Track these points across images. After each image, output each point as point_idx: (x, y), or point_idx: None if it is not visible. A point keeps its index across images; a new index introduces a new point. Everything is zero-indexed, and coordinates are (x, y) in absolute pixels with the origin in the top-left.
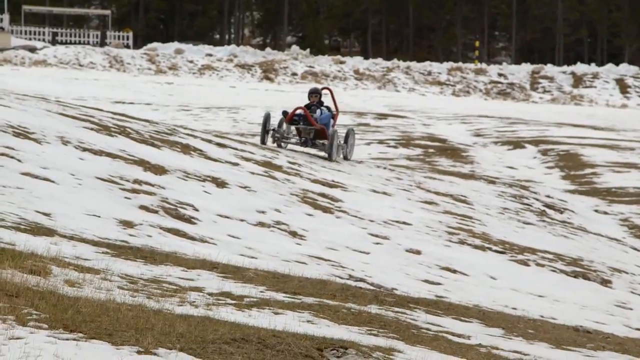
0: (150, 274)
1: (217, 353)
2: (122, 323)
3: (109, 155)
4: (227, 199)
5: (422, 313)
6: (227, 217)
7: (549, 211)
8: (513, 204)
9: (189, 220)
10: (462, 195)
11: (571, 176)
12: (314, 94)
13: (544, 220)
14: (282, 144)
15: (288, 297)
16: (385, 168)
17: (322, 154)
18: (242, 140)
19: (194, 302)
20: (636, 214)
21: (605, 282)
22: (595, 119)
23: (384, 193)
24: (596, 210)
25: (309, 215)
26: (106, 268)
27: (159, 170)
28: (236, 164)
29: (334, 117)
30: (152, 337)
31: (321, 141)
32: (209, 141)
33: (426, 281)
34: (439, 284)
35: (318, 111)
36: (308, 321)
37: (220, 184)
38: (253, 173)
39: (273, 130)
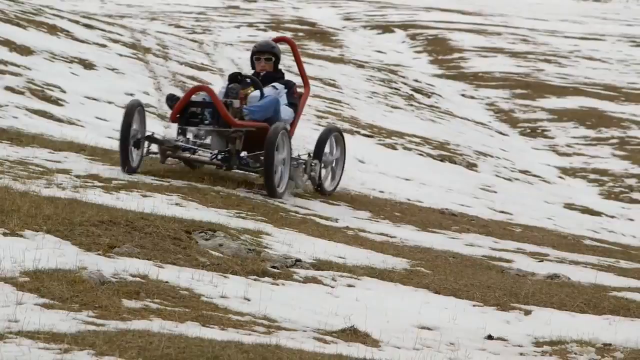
0: (16, 156)
1: (84, 235)
2: None
3: None
4: (95, 81)
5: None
6: (95, 100)
7: (417, 95)
8: (382, 88)
9: (56, 102)
10: (331, 79)
11: (439, 60)
12: (263, 54)
13: (412, 105)
14: (177, 160)
15: (156, 180)
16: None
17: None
18: (110, 22)
19: (61, 184)
20: (502, 98)
21: (470, 166)
22: (463, 3)
23: None
24: (463, 95)
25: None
26: None
27: (25, 51)
28: (104, 46)
29: (294, 102)
30: (19, 219)
31: (259, 154)
32: (76, 22)
33: None
34: None
35: (255, 92)
36: (177, 204)
37: (88, 65)
38: (121, 55)
39: (150, 139)
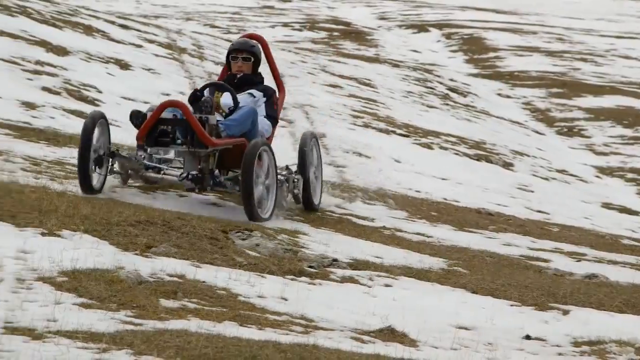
0: (53, 156)
1: (121, 235)
2: (25, 205)
3: (9, 35)
4: (131, 81)
5: (327, 196)
6: (131, 100)
7: (452, 95)
8: (417, 87)
9: (93, 102)
10: (366, 79)
11: (474, 60)
12: (241, 53)
13: (447, 104)
14: (140, 179)
15: None
16: (290, 51)
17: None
18: (145, 22)
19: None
20: (538, 97)
21: (507, 165)
22: (498, 2)
23: (291, 76)
24: (499, 94)
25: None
26: (8, 150)
27: (61, 51)
28: (140, 46)
29: (272, 115)
30: (56, 219)
31: (236, 173)
32: (112, 22)
33: (330, 164)
34: (343, 167)
35: (227, 100)
36: (213, 204)
37: (124, 65)
38: (157, 55)
39: (114, 156)
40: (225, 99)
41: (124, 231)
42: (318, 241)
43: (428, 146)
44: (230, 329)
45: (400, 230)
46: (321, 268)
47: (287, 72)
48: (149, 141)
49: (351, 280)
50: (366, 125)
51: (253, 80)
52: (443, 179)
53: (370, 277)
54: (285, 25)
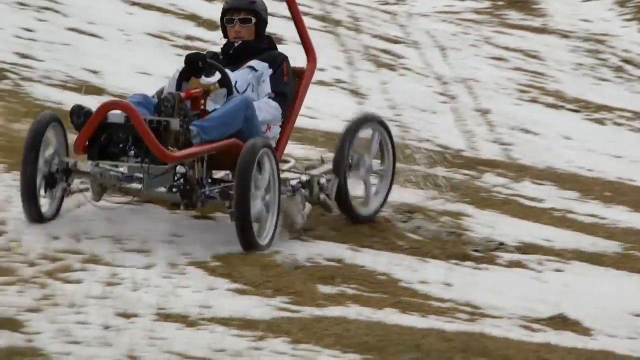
0: None
1: None
2: None
3: (158, 9)
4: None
5: (492, 175)
6: None
7: (626, 66)
8: (588, 59)
9: None
10: (533, 51)
11: None
12: (238, 13)
13: (621, 77)
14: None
15: None
16: (451, 22)
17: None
18: None
19: None
20: None
21: None
22: None
23: (453, 48)
24: None
25: (371, 72)
26: None
27: (212, 25)
28: (291, 19)
29: (284, 91)
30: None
31: (226, 187)
32: None
33: (496, 141)
34: (509, 144)
35: (212, 75)
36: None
37: (276, 39)
38: (311, 28)
39: (67, 173)
40: (215, 77)
41: None
42: (483, 223)
43: (600, 122)
44: (391, 316)
45: (572, 212)
46: (487, 252)
47: (448, 45)
48: (92, 153)
49: (519, 264)
50: (533, 100)
51: (257, 48)
52: (617, 156)
53: (540, 261)
54: None
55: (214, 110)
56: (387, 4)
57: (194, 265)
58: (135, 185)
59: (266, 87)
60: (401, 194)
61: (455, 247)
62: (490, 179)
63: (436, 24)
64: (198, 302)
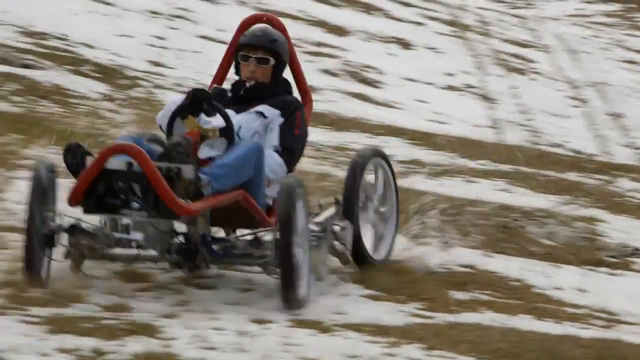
0: (335, 141)
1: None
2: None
3: (289, 16)
4: (413, 61)
5: (626, 180)
6: (413, 81)
7: None
8: None
9: (373, 84)
10: None
11: None
12: (256, 51)
13: None
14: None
15: (481, 165)
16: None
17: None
18: None
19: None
20: None
21: None
22: None
23: (584, 52)
24: None
25: (501, 77)
26: None
27: (340, 31)
28: (421, 24)
29: (290, 147)
30: None
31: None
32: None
33: (629, 146)
34: None
35: (219, 122)
36: (503, 189)
37: (405, 45)
38: (440, 33)
39: (71, 232)
40: (217, 120)
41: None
42: (618, 229)
43: None
44: (525, 322)
45: None
46: (622, 258)
47: (579, 48)
48: (88, 205)
49: None
50: None
51: (270, 92)
52: None
53: None
54: None
55: (212, 157)
56: (516, 7)
57: (328, 272)
58: (126, 252)
59: (274, 137)
60: (533, 199)
61: (589, 252)
62: (624, 184)
63: (566, 28)
64: (331, 309)
